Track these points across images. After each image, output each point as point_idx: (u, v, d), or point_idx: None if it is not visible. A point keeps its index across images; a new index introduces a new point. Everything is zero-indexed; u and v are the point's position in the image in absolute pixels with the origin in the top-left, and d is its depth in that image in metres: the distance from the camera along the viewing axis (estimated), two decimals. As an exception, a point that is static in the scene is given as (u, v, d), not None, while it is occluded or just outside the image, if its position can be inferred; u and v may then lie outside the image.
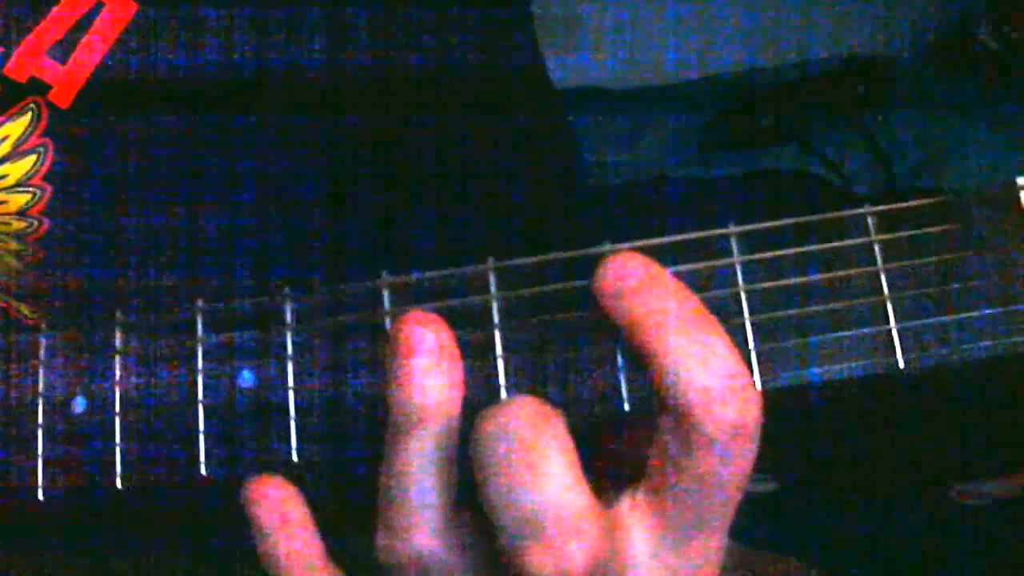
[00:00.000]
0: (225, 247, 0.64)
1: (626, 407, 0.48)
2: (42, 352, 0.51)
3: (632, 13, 1.61)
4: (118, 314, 0.51)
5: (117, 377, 0.51)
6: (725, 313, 0.47)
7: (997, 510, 1.04)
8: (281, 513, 0.47)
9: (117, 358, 0.51)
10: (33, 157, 0.59)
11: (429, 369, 0.44)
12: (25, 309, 0.64)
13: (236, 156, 0.63)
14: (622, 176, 1.46)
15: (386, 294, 0.49)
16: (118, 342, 0.51)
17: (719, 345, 0.45)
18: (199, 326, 0.51)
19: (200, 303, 0.51)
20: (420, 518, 0.44)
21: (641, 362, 0.45)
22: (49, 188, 0.60)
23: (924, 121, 1.49)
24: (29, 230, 0.61)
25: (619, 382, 0.48)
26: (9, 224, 0.61)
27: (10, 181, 0.60)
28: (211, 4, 0.62)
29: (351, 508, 0.69)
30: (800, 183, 1.42)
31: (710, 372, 0.44)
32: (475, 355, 0.48)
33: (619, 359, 0.47)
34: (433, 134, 0.67)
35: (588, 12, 1.61)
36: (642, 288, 0.45)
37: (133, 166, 0.62)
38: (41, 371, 0.51)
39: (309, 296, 0.50)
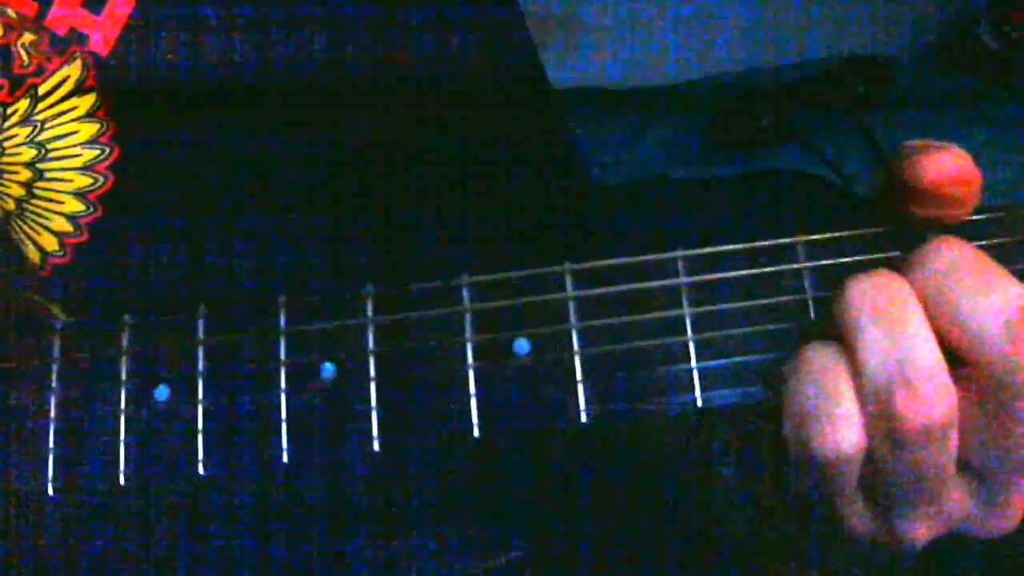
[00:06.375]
0: (225, 246, 0.64)
1: (699, 404, 0.50)
2: (125, 341, 0.52)
3: (632, 13, 1.61)
4: (201, 307, 0.52)
5: (200, 367, 0.51)
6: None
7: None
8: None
9: (200, 348, 0.52)
10: (94, 95, 0.61)
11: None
12: (57, 310, 0.64)
13: (235, 155, 0.63)
14: (622, 176, 1.47)
15: (465, 292, 0.51)
16: (201, 333, 0.52)
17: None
18: (281, 318, 0.51)
19: (282, 297, 0.52)
20: (850, 415, 0.46)
21: (947, 325, 0.47)
22: (113, 123, 0.61)
23: (924, 121, 1.50)
24: (96, 178, 0.62)
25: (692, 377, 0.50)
26: (71, 180, 0.62)
27: (80, 111, 0.61)
28: (211, 4, 0.62)
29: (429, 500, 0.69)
30: (800, 183, 1.42)
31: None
32: (551, 349, 0.50)
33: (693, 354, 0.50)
34: (433, 133, 0.67)
35: (588, 12, 1.61)
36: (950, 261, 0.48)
37: (140, 164, 0.63)
38: (124, 360, 0.52)
39: (388, 292, 0.51)
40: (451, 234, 0.69)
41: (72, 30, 0.60)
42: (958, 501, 0.49)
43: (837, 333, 0.47)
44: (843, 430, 0.46)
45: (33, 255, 0.63)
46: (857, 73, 1.56)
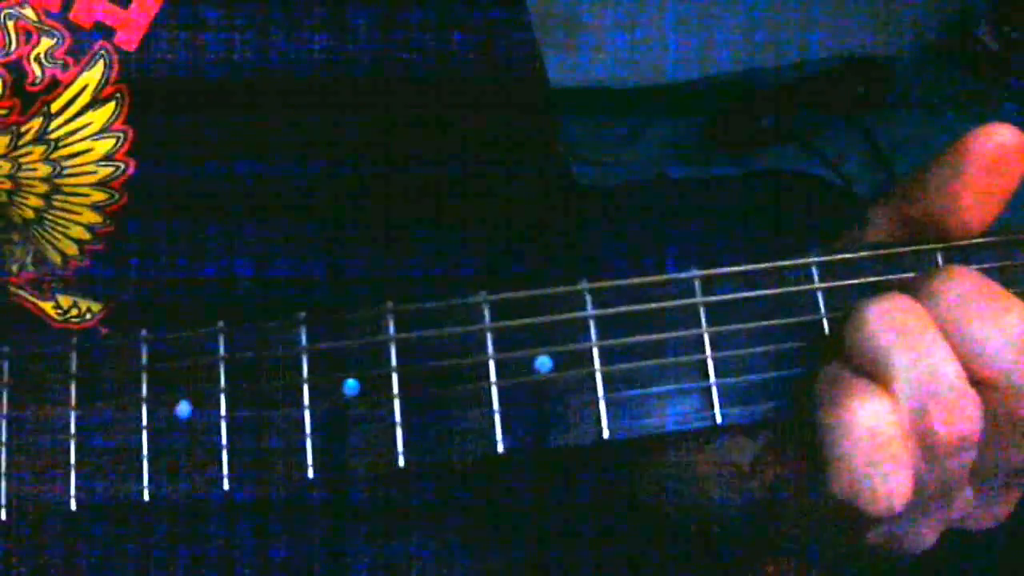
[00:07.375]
0: (225, 246, 0.64)
1: (718, 420, 0.51)
2: (144, 356, 0.52)
3: (632, 13, 1.61)
4: (221, 323, 0.52)
5: (222, 384, 0.52)
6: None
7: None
8: None
9: (222, 365, 0.52)
10: (112, 103, 0.61)
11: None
12: (51, 310, 0.64)
13: (234, 156, 0.63)
14: (622, 176, 1.47)
15: (486, 310, 0.51)
16: (222, 349, 0.52)
17: None
18: (303, 335, 0.52)
19: (303, 314, 0.52)
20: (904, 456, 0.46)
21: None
22: (132, 131, 0.61)
23: (924, 121, 1.50)
24: (111, 194, 0.61)
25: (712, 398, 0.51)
26: (88, 195, 0.62)
27: (95, 128, 0.61)
28: (211, 4, 0.62)
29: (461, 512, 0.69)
30: (800, 183, 1.42)
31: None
32: (573, 366, 0.51)
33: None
34: (434, 133, 0.67)
35: (588, 12, 1.61)
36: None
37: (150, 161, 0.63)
38: (144, 375, 0.52)
39: (407, 309, 0.51)
40: (452, 234, 0.69)
41: (98, 24, 0.60)
42: (964, 502, 0.50)
43: (857, 361, 0.47)
44: (899, 488, 0.46)
45: (55, 258, 0.63)
46: (857, 73, 1.56)
